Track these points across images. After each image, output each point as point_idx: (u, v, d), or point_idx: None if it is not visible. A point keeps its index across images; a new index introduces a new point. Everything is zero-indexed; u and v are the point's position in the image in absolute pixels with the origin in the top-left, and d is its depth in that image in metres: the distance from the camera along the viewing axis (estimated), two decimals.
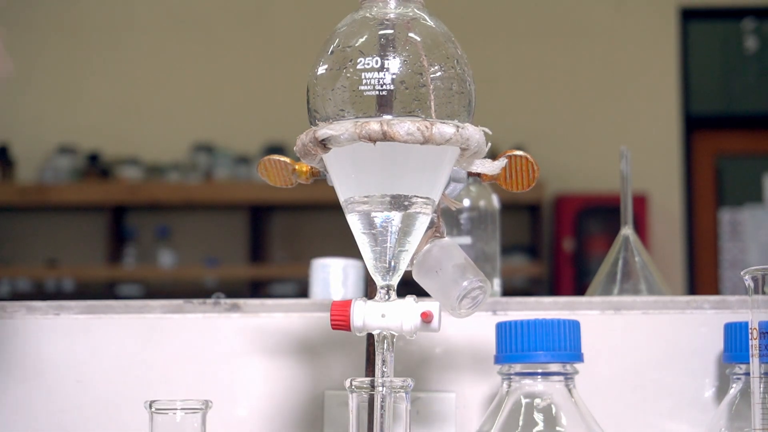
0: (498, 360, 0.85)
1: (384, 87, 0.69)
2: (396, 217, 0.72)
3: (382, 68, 0.69)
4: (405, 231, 0.72)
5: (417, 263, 0.79)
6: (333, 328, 0.72)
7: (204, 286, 4.33)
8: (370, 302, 0.72)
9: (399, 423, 0.74)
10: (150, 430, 0.80)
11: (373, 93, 0.69)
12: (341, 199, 0.73)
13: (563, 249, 4.44)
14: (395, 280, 0.73)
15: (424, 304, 0.71)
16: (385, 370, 0.72)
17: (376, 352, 0.72)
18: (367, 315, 0.71)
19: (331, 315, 0.72)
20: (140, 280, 4.42)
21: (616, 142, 1.94)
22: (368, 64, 0.70)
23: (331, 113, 0.71)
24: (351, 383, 0.73)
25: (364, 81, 0.69)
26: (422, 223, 0.73)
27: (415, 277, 0.80)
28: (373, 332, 0.72)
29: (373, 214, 0.72)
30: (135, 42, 4.60)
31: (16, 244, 4.52)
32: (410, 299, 0.72)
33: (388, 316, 0.71)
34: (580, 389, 0.86)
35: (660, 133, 4.55)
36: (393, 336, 0.72)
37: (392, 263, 0.72)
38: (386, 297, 0.73)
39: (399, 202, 0.71)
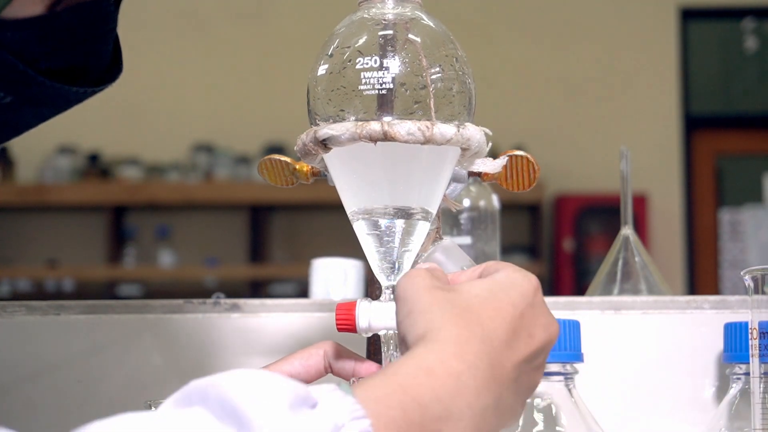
0: None
1: (384, 86, 0.69)
2: (399, 222, 0.72)
3: (381, 67, 0.69)
4: (408, 231, 0.72)
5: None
6: (339, 330, 0.72)
7: (204, 286, 4.33)
8: (375, 303, 0.72)
9: None
10: None
11: (373, 92, 0.69)
12: (346, 209, 0.73)
13: (563, 249, 4.44)
14: None
15: None
16: None
17: (382, 353, 0.72)
18: (372, 316, 0.71)
19: (337, 317, 0.71)
20: (140, 280, 4.42)
21: (616, 142, 1.94)
22: (367, 63, 0.69)
23: (331, 114, 0.71)
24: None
25: (363, 80, 0.69)
26: (424, 226, 0.73)
27: None
28: (379, 333, 0.72)
29: (378, 220, 0.72)
30: (135, 42, 4.59)
31: (16, 244, 4.52)
32: None
33: (393, 316, 0.71)
34: (580, 389, 0.86)
35: (660, 133, 4.55)
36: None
37: (397, 263, 0.72)
38: (391, 297, 0.72)
39: (402, 212, 0.71)
